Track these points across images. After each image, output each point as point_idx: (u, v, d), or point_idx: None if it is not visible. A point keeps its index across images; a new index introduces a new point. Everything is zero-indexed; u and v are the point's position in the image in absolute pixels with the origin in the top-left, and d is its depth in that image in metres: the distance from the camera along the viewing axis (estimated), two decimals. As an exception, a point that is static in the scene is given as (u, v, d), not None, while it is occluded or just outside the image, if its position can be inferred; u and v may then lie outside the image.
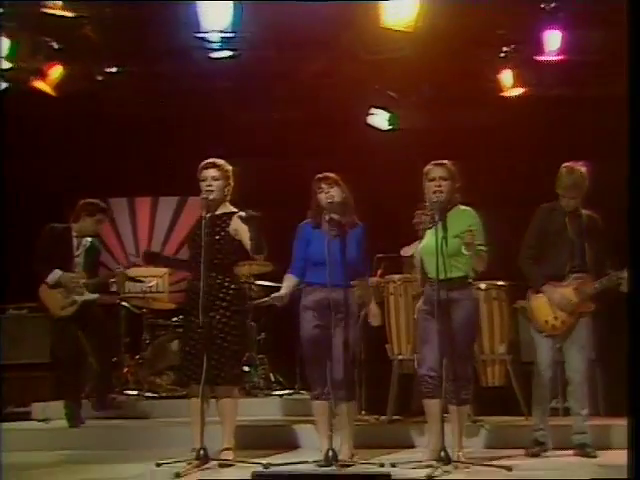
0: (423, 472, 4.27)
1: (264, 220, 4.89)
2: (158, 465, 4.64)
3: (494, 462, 4.59)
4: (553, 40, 6.97)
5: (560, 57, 7.07)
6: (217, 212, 4.88)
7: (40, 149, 8.26)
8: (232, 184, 4.98)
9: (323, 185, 4.83)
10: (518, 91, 7.57)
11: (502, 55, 7.43)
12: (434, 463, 4.35)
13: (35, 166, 8.23)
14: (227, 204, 4.99)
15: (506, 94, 7.58)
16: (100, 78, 7.73)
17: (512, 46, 7.30)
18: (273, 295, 4.92)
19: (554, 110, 7.65)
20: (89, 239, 6.46)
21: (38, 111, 7.68)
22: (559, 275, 5.08)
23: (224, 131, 8.06)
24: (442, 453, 4.35)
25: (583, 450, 5.00)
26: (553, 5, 6.81)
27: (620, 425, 5.06)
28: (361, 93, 7.75)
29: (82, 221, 6.40)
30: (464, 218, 4.65)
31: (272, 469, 4.49)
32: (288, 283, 4.90)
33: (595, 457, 4.93)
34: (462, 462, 4.43)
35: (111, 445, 5.74)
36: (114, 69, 7.63)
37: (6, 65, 7.12)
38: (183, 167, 8.03)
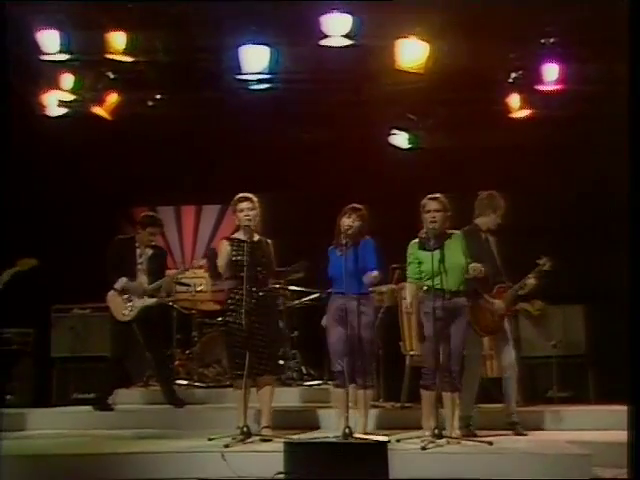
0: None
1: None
2: (210, 439, 6.01)
3: (477, 438, 5.94)
4: (551, 72, 8.24)
5: (559, 86, 8.33)
6: (256, 238, 6.25)
7: (97, 165, 9.50)
8: (261, 214, 6.31)
9: (352, 214, 6.14)
10: (524, 113, 8.83)
11: (510, 81, 8.71)
12: (429, 438, 5.71)
13: (93, 181, 9.48)
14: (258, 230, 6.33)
15: (513, 116, 8.85)
16: (150, 103, 9.08)
17: (518, 73, 8.56)
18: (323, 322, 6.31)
19: (557, 131, 8.87)
20: (150, 249, 7.78)
21: (95, 132, 8.97)
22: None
23: (259, 150, 9.33)
24: (436, 430, 5.72)
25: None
26: (552, 40, 8.12)
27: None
28: (383, 116, 9.06)
29: (140, 232, 7.78)
30: (455, 241, 5.99)
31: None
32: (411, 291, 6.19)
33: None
34: (452, 438, 5.78)
35: (168, 426, 7.10)
36: (163, 96, 9.01)
37: (70, 97, 8.60)
38: (223, 179, 9.56)
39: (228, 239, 6.41)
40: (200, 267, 7.95)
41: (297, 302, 8.32)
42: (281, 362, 7.97)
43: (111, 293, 7.69)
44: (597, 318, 8.04)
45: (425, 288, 5.99)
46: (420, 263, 6.02)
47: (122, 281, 7.58)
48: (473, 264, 5.95)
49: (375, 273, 6.08)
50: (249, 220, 6.21)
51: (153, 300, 7.63)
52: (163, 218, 10.17)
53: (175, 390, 7.84)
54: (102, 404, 7.64)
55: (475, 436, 6.10)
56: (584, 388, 7.85)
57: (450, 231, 6.07)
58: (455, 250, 5.98)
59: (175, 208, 10.60)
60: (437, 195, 6.04)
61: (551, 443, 6.05)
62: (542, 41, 7.98)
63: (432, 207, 5.96)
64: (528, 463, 5.40)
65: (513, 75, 8.45)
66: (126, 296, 7.61)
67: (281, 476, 5.15)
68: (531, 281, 6.51)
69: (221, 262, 6.30)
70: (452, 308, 5.93)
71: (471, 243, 6.30)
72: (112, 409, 7.64)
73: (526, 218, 8.18)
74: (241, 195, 6.34)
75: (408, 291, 6.18)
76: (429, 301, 5.93)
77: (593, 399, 7.80)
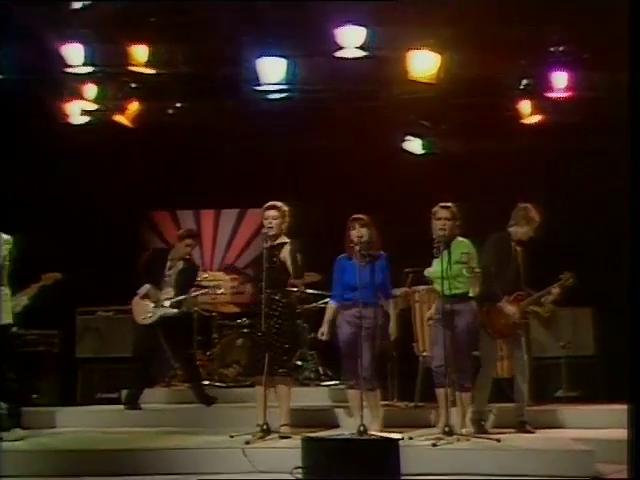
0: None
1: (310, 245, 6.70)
2: (231, 437, 6.41)
3: (485, 435, 6.29)
4: (560, 79, 8.56)
5: (569, 93, 8.66)
6: (275, 243, 6.63)
7: (119, 171, 9.83)
8: (288, 220, 6.70)
9: (355, 225, 6.55)
10: (534, 119, 9.16)
11: (521, 88, 9.03)
12: (440, 436, 6.08)
13: (114, 186, 9.85)
14: (283, 236, 6.71)
15: (524, 122, 9.17)
16: (171, 111, 9.47)
17: (529, 80, 8.88)
18: (320, 330, 6.71)
19: (567, 137, 9.19)
20: (182, 262, 8.15)
21: (117, 139, 9.38)
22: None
23: (276, 156, 9.72)
24: (446, 428, 6.09)
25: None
26: (561, 49, 8.45)
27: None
28: (397, 123, 9.42)
29: (175, 246, 8.21)
30: (462, 247, 6.35)
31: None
32: (329, 312, 6.66)
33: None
34: (462, 435, 6.14)
35: (190, 424, 7.51)
36: (182, 104, 9.36)
37: (93, 106, 9.02)
38: (241, 184, 9.96)
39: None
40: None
41: (314, 305, 8.71)
42: (299, 363, 8.37)
43: (136, 298, 8.12)
44: (605, 320, 8.36)
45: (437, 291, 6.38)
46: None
47: (145, 288, 8.02)
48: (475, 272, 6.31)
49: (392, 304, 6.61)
50: (270, 228, 6.60)
51: (174, 311, 8.02)
52: (183, 221, 10.78)
53: (204, 388, 8.22)
54: (133, 404, 8.04)
55: (486, 433, 6.46)
56: (592, 388, 8.18)
57: (459, 238, 6.43)
58: (458, 253, 6.32)
59: (194, 212, 10.99)
60: (448, 204, 6.42)
61: (557, 440, 6.42)
62: (551, 49, 8.36)
63: (442, 215, 6.33)
64: (533, 459, 5.76)
65: (524, 82, 8.80)
66: (148, 302, 8.02)
67: (299, 471, 5.52)
68: (555, 291, 6.90)
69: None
70: (458, 311, 6.31)
71: (499, 249, 6.78)
72: (140, 408, 8.04)
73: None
74: (269, 203, 6.72)
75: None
76: (440, 303, 6.31)
77: (601, 399, 8.12)
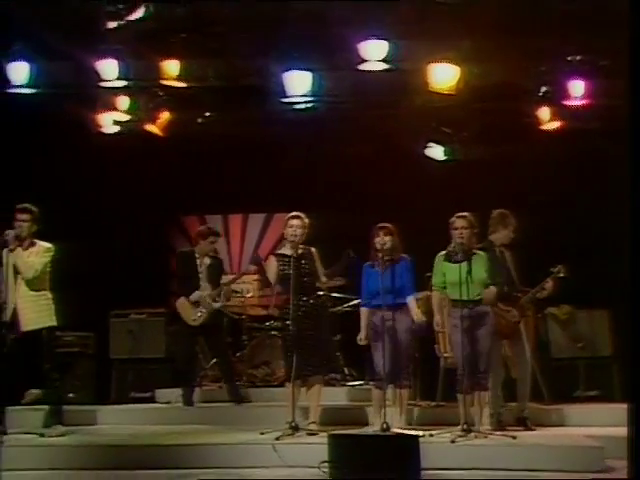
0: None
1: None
2: (262, 433, 6.89)
3: (502, 432, 6.75)
4: (577, 87, 8.97)
5: (586, 101, 9.06)
6: (300, 251, 7.13)
7: (150, 178, 10.35)
8: (308, 231, 7.19)
9: (380, 233, 7.03)
10: (554, 125, 9.57)
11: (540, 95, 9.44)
12: (459, 433, 6.55)
13: (146, 193, 10.36)
14: (304, 245, 7.20)
15: (543, 128, 9.59)
16: (200, 120, 10.00)
17: (548, 87, 9.29)
18: (358, 336, 7.20)
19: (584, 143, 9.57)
20: (208, 258, 8.70)
21: (148, 148, 9.86)
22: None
23: (302, 162, 10.17)
24: (465, 426, 6.56)
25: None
26: (578, 58, 8.86)
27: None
28: (419, 131, 9.88)
29: (199, 244, 8.72)
30: (481, 259, 6.85)
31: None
32: (364, 318, 7.17)
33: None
34: (480, 432, 6.61)
35: (221, 422, 8.00)
36: (211, 114, 9.89)
37: (125, 117, 9.55)
38: (268, 189, 10.46)
39: (275, 255, 7.33)
40: (252, 273, 8.86)
41: (340, 308, 9.19)
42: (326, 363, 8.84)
43: (181, 300, 8.60)
44: (622, 321, 8.76)
45: (452, 298, 6.84)
46: (444, 274, 6.90)
47: (197, 294, 8.52)
48: (487, 290, 6.84)
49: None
50: (295, 236, 7.09)
51: (218, 304, 8.56)
52: (211, 225, 11.22)
53: (238, 388, 8.71)
54: (188, 400, 8.56)
55: (505, 430, 6.91)
56: (609, 387, 8.59)
57: (476, 250, 6.92)
58: (480, 266, 6.83)
59: (223, 217, 11.47)
60: (465, 214, 6.88)
61: (569, 437, 6.87)
62: (569, 58, 8.79)
63: (460, 224, 6.81)
64: (545, 454, 6.21)
65: (543, 89, 9.21)
66: (197, 304, 8.53)
67: (325, 465, 6.00)
68: (548, 285, 7.29)
69: (271, 276, 7.22)
70: (476, 315, 6.78)
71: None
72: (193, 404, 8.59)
73: (553, 231, 9.07)
74: (293, 213, 7.25)
75: (433, 298, 7.08)
76: (456, 310, 6.78)
77: (617, 398, 8.52)
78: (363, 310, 7.23)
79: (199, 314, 8.50)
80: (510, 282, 7.25)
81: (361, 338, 7.20)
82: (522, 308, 7.33)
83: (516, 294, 7.31)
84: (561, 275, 7.25)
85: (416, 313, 7.09)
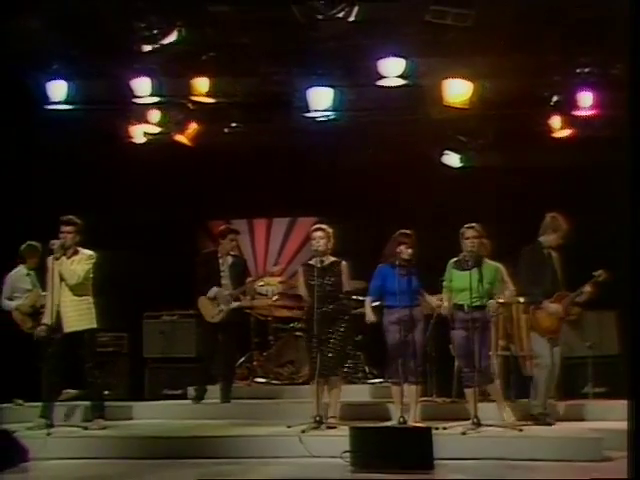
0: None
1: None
2: (289, 427, 7.64)
3: (511, 424, 7.47)
4: (586, 98, 9.63)
5: (595, 111, 9.71)
6: (326, 261, 7.83)
7: (179, 186, 11.19)
8: (333, 240, 7.89)
9: (404, 239, 7.74)
10: (564, 133, 10.22)
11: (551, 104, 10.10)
12: (470, 426, 7.29)
13: (175, 199, 11.19)
14: (329, 256, 7.91)
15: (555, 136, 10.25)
16: (226, 130, 10.77)
17: (559, 97, 9.94)
18: (367, 318, 7.99)
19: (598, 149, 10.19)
20: (230, 257, 9.41)
21: (177, 157, 10.61)
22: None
23: (323, 170, 10.95)
24: (475, 420, 7.30)
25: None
26: (587, 70, 9.52)
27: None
28: (437, 138, 10.61)
29: (221, 243, 9.43)
30: (491, 268, 7.59)
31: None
32: (368, 306, 7.93)
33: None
34: (489, 425, 7.34)
35: (249, 417, 8.76)
36: (238, 124, 10.63)
37: (157, 130, 10.33)
38: (292, 195, 11.20)
39: (303, 265, 8.08)
40: (276, 275, 9.61)
41: (361, 310, 9.91)
42: (347, 363, 9.59)
43: (202, 298, 9.34)
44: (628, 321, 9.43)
45: (458, 303, 7.60)
46: (451, 280, 7.65)
47: (214, 290, 9.24)
48: (491, 301, 7.57)
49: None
50: (319, 246, 7.81)
51: (238, 303, 9.31)
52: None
53: (230, 390, 9.33)
54: (199, 398, 9.32)
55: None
56: (616, 385, 9.25)
57: (487, 259, 7.66)
58: (489, 275, 7.57)
59: (248, 221, 12.22)
60: (473, 224, 7.62)
61: (573, 430, 7.60)
62: (578, 71, 9.46)
63: (469, 235, 7.55)
64: (548, 445, 6.93)
65: (555, 99, 9.88)
66: (215, 300, 9.25)
67: (347, 455, 6.75)
68: (587, 289, 7.96)
69: (300, 285, 7.99)
70: (480, 318, 7.52)
71: (532, 258, 7.93)
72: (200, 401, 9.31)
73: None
74: (317, 225, 7.99)
75: (445, 298, 7.81)
76: (462, 313, 7.53)
77: (624, 394, 9.18)
78: (368, 300, 7.98)
79: (218, 311, 9.20)
80: (555, 282, 7.94)
81: (371, 320, 7.94)
82: (566, 306, 7.96)
83: (560, 293, 7.94)
84: (601, 279, 7.87)
85: (432, 301, 7.87)
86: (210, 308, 9.29)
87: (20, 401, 9.06)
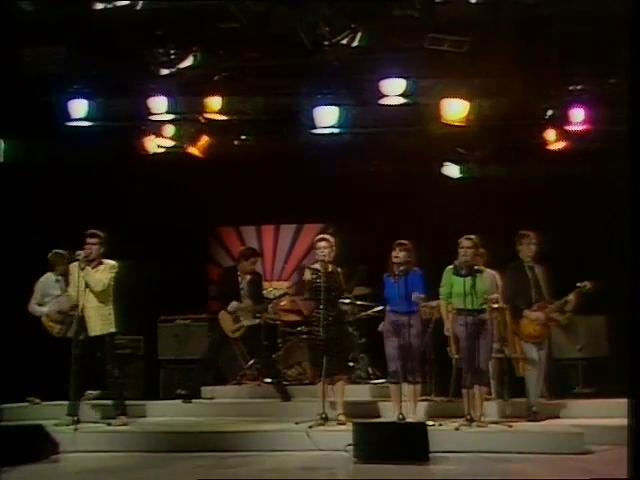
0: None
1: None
2: (297, 423, 8.51)
3: (500, 421, 8.38)
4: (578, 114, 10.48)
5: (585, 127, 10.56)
6: (329, 268, 8.73)
7: (191, 194, 12.00)
8: (335, 249, 8.76)
9: (397, 248, 8.61)
10: (559, 145, 11.06)
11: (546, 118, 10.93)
12: (463, 422, 8.18)
13: (187, 207, 11.97)
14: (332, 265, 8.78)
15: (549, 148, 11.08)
16: (237, 143, 11.69)
17: (554, 111, 10.79)
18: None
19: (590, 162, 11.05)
20: (248, 275, 10.27)
21: (189, 167, 11.48)
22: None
23: (328, 181, 11.75)
24: (468, 416, 8.19)
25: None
26: (579, 87, 10.37)
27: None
28: (437, 151, 11.48)
29: (242, 263, 10.35)
30: (486, 280, 8.47)
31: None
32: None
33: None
34: (481, 422, 8.23)
35: (259, 414, 9.63)
36: (247, 137, 11.55)
37: (171, 143, 11.22)
38: (299, 203, 12.08)
39: (310, 268, 8.88)
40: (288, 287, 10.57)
41: (364, 314, 10.85)
42: (351, 364, 10.48)
43: (222, 313, 10.21)
44: (617, 326, 10.28)
45: (457, 307, 8.44)
46: (452, 285, 8.50)
47: (234, 305, 10.13)
48: (492, 295, 8.45)
49: (421, 295, 8.57)
50: (324, 256, 8.67)
51: (258, 321, 10.24)
52: (246, 236, 12.95)
53: (285, 386, 10.26)
54: (188, 397, 10.20)
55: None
56: (605, 385, 10.07)
57: (482, 268, 8.56)
58: (482, 281, 8.43)
59: (256, 227, 13.11)
60: (471, 236, 8.50)
61: (558, 426, 8.50)
62: (570, 88, 10.32)
63: (465, 245, 8.43)
64: (535, 439, 7.84)
65: (549, 112, 10.72)
66: (235, 316, 10.15)
67: (350, 448, 7.64)
68: (570, 298, 8.85)
69: (306, 286, 8.83)
70: (479, 322, 8.38)
71: (514, 273, 8.90)
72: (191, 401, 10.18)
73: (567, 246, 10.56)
74: (320, 236, 8.90)
75: (441, 307, 8.70)
76: (461, 318, 8.38)
77: (612, 394, 9.90)
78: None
79: (238, 327, 10.11)
80: (538, 293, 8.86)
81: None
82: (548, 316, 8.86)
83: (542, 303, 8.85)
84: (585, 290, 8.76)
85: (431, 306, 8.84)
86: (230, 323, 10.16)
87: (37, 400, 9.92)
